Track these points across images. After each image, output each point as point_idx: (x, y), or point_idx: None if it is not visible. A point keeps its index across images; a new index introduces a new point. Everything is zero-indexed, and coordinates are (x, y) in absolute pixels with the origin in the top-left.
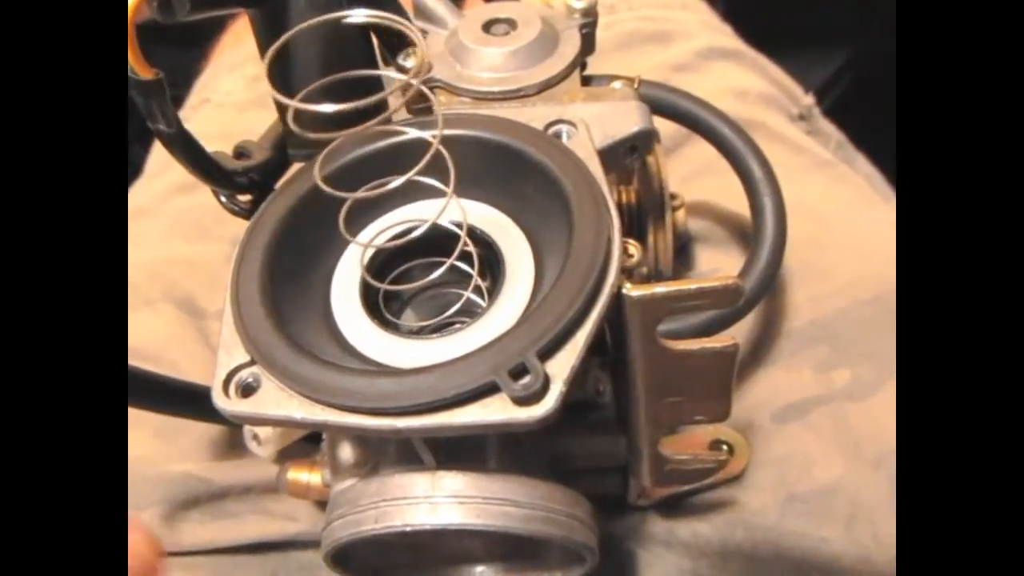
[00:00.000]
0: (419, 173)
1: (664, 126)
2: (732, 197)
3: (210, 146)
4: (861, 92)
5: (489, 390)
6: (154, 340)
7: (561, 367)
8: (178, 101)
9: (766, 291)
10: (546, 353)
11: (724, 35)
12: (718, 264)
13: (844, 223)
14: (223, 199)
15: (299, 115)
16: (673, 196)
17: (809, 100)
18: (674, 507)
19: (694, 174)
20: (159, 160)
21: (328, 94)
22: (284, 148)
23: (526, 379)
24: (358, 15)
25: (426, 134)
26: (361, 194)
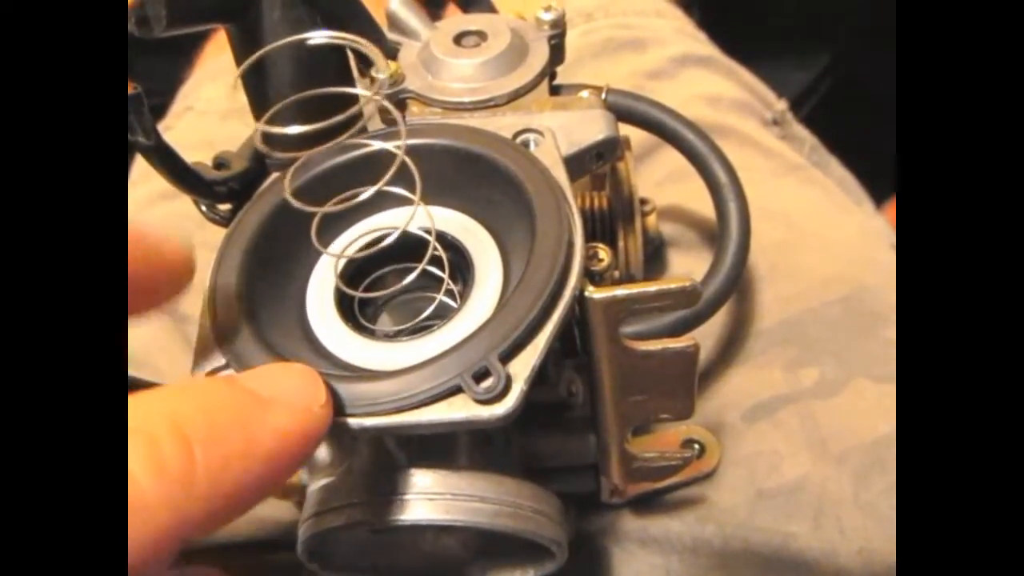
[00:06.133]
0: (387, 183)
1: (637, 133)
2: (705, 202)
3: (192, 154)
4: (841, 96)
5: (454, 391)
6: (137, 345)
7: (522, 367)
8: (163, 109)
9: (730, 294)
10: (508, 355)
11: (698, 42)
12: (690, 267)
13: (813, 225)
14: (203, 208)
15: (268, 133)
16: (644, 201)
17: (782, 105)
18: (647, 505)
19: (667, 179)
20: (142, 168)
21: (299, 111)
22: (262, 158)
23: (488, 382)
24: (319, 36)
25: (390, 145)
26: (328, 209)
